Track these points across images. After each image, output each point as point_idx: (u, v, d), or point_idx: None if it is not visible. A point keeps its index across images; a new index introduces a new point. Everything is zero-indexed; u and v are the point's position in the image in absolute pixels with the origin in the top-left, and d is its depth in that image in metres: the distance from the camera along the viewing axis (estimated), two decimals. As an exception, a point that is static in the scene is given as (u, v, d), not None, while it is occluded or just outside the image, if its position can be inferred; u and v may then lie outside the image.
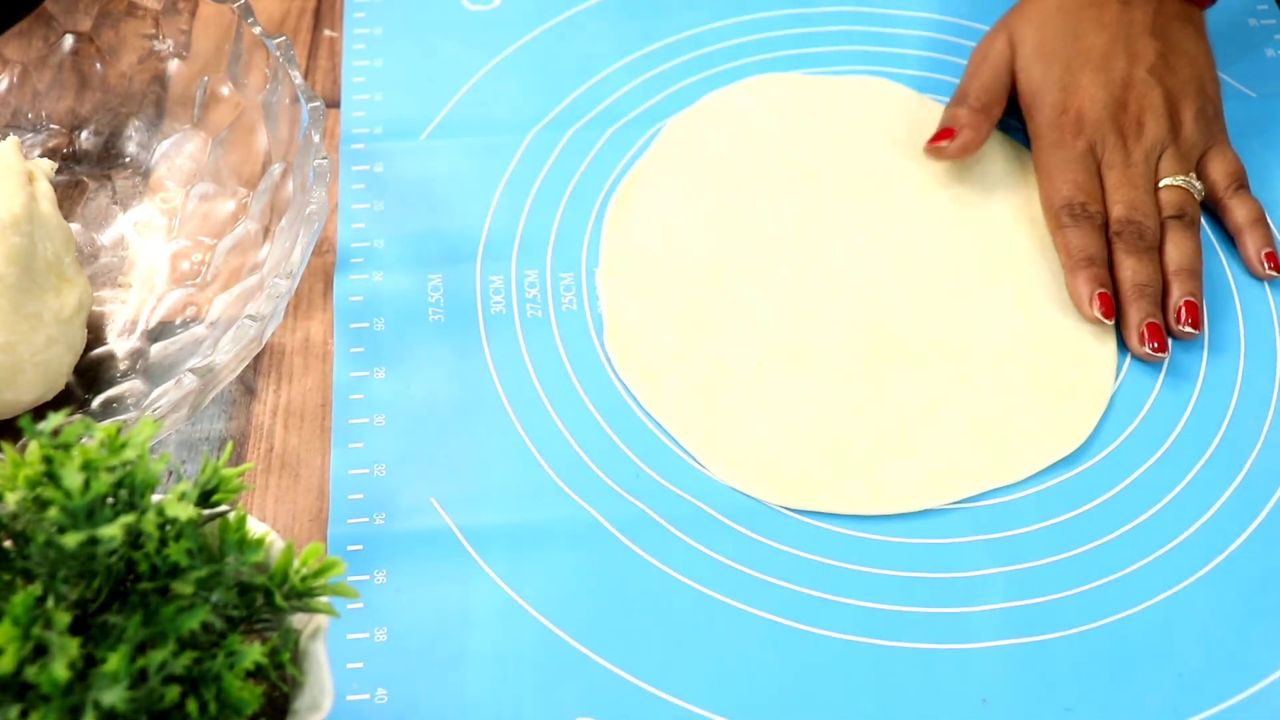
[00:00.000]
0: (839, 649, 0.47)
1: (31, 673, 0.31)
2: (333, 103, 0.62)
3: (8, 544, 0.33)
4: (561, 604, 0.47)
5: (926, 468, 0.51)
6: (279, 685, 0.38)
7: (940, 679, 0.46)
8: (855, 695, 0.46)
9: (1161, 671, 0.46)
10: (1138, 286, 0.56)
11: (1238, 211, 0.59)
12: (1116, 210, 0.57)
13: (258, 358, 0.54)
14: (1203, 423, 0.53)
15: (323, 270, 0.56)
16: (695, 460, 0.51)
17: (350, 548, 0.48)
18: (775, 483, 0.51)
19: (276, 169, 0.55)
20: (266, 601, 0.35)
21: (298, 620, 0.37)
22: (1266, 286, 0.58)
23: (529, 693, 0.45)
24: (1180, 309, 0.55)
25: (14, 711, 0.31)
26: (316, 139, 0.51)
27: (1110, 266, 0.56)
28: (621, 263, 0.57)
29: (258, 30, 0.55)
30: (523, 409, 0.52)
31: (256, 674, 0.36)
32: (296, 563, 0.35)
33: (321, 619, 0.37)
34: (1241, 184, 0.60)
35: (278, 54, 0.54)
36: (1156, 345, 0.54)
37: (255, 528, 0.37)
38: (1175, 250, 0.57)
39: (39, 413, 0.49)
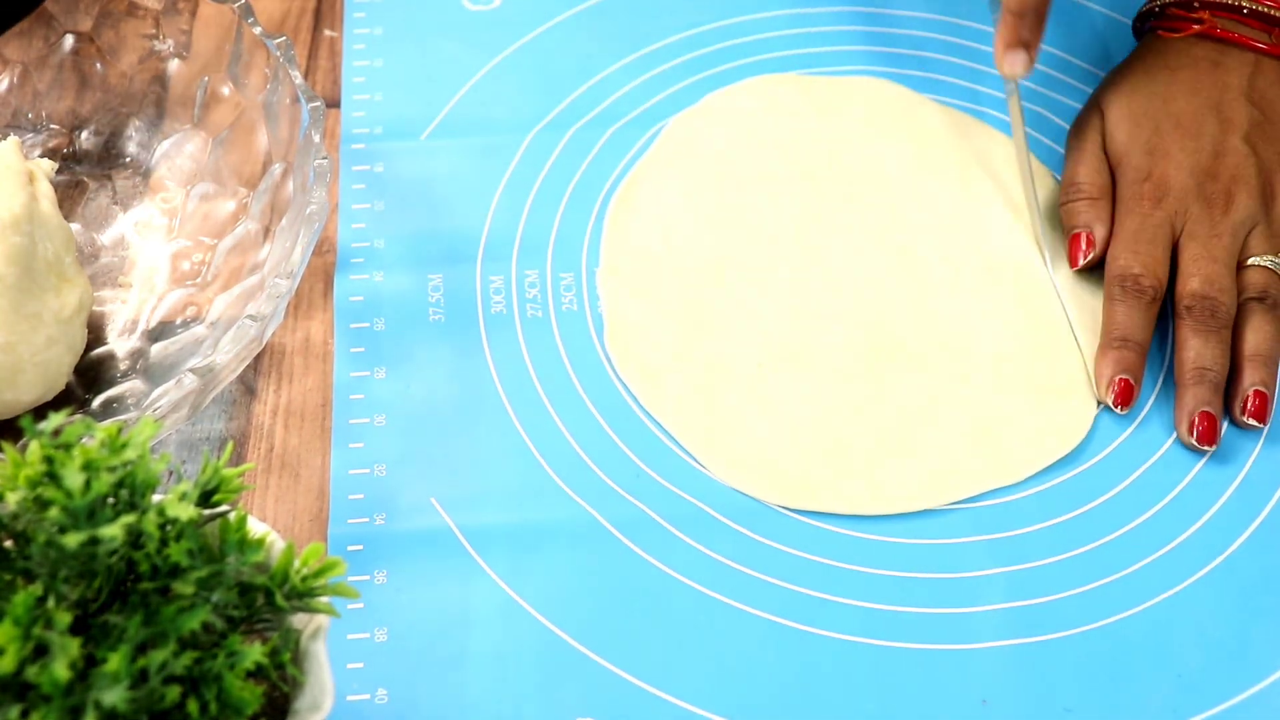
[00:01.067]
0: (839, 649, 0.47)
1: (32, 673, 0.31)
2: (333, 103, 0.62)
3: (8, 544, 0.33)
4: (561, 604, 0.47)
5: (926, 468, 0.51)
6: (279, 685, 0.38)
7: (940, 679, 0.46)
8: (855, 695, 0.46)
9: (1161, 672, 0.46)
10: (1199, 370, 0.52)
11: None
12: (1191, 284, 0.53)
13: (258, 358, 0.54)
14: (1203, 423, 0.53)
15: (323, 270, 0.56)
16: (695, 460, 0.51)
17: (350, 548, 0.48)
18: (775, 483, 0.51)
19: (277, 169, 0.55)
20: (267, 601, 0.35)
21: (298, 620, 0.37)
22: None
23: (529, 693, 0.45)
24: (1249, 397, 0.52)
25: (14, 711, 0.31)
26: (317, 139, 0.51)
27: (1174, 345, 0.54)
28: (621, 263, 0.57)
29: (258, 30, 0.55)
30: (523, 409, 0.52)
31: (257, 674, 0.36)
32: (297, 563, 0.35)
33: (322, 619, 0.37)
34: None
35: (278, 54, 0.54)
36: (1207, 440, 0.51)
37: (256, 528, 0.37)
38: (1254, 335, 0.53)
39: (39, 413, 0.49)
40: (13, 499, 0.32)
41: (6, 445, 0.34)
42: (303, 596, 0.35)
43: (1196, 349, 0.52)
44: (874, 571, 0.49)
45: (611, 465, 0.51)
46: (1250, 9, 0.59)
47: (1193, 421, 0.52)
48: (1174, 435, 0.53)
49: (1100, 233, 0.56)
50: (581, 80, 0.63)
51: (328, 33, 0.66)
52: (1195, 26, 0.59)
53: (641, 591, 0.48)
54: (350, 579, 0.47)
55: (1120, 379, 0.52)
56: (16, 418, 0.49)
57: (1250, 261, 0.54)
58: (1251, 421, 0.52)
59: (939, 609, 0.48)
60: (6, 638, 0.30)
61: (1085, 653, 0.47)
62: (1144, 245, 0.54)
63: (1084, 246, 0.56)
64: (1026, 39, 0.56)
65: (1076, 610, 0.48)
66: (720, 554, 0.49)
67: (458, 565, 0.48)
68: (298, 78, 0.53)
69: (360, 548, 0.48)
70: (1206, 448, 0.51)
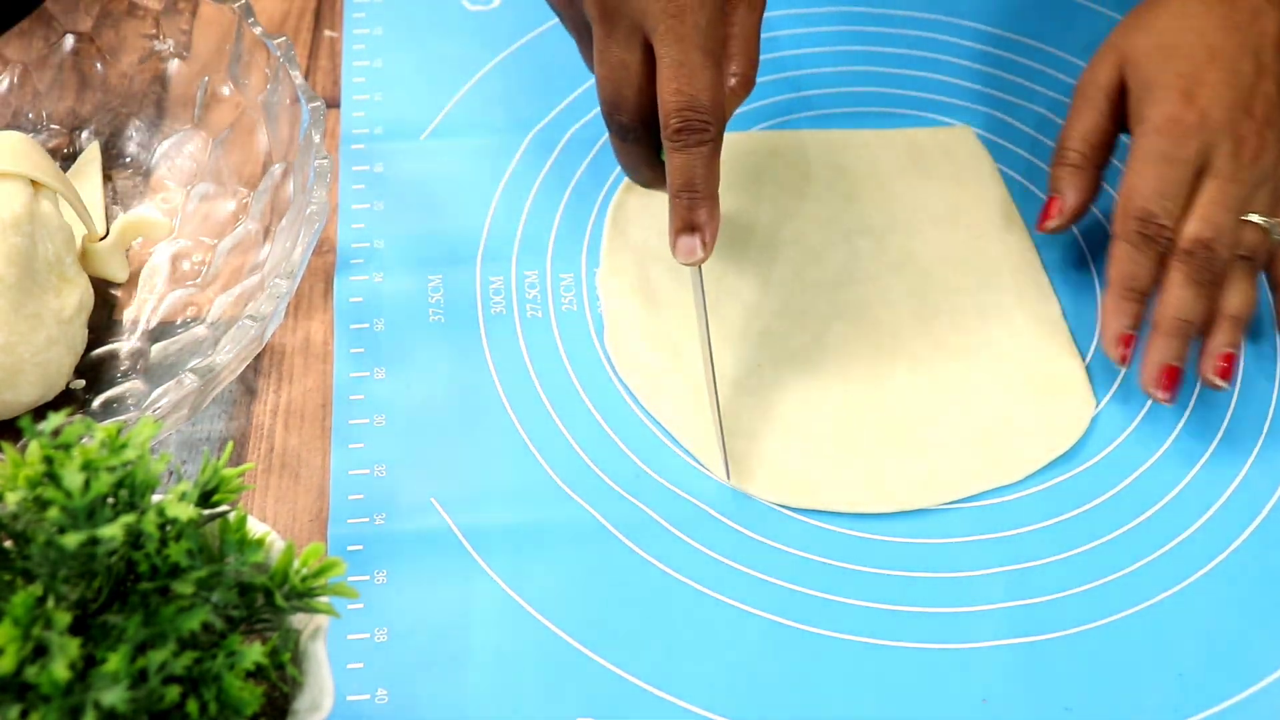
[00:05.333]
0: (839, 649, 0.47)
1: (32, 673, 0.31)
2: (333, 103, 0.62)
3: (8, 544, 0.33)
4: (561, 604, 0.47)
5: (926, 467, 0.51)
6: (279, 685, 0.38)
7: (940, 679, 0.46)
8: (855, 695, 0.46)
9: (1161, 671, 0.46)
10: (1179, 321, 0.51)
11: None
12: (1195, 227, 0.51)
13: (258, 358, 0.54)
14: (1202, 422, 0.53)
15: (323, 270, 0.56)
16: (695, 460, 0.51)
17: (350, 548, 0.48)
18: (775, 482, 0.51)
19: (277, 169, 0.55)
20: (267, 602, 0.35)
21: (298, 620, 0.37)
22: (1265, 286, 0.58)
23: (529, 693, 0.45)
24: (1218, 356, 0.51)
25: (14, 711, 0.31)
26: (317, 139, 0.51)
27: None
28: (621, 263, 0.57)
29: (258, 30, 0.55)
30: (523, 409, 0.52)
31: (257, 674, 0.36)
32: (297, 563, 0.35)
33: (322, 619, 0.37)
34: None
35: (278, 54, 0.54)
36: (1168, 395, 0.51)
37: (255, 528, 0.37)
38: (1236, 295, 0.52)
39: (39, 413, 0.49)
40: (13, 499, 0.32)
41: (6, 445, 0.34)
42: (302, 596, 0.35)
43: (1183, 299, 0.51)
44: (874, 571, 0.49)
45: (611, 465, 0.51)
46: None
47: (1159, 375, 0.51)
48: (1174, 435, 0.53)
49: (1070, 202, 0.55)
50: (581, 80, 0.63)
51: (328, 33, 0.66)
52: None
53: (641, 591, 0.48)
54: (350, 579, 0.47)
55: (1126, 335, 0.51)
56: (16, 418, 0.49)
57: (1250, 217, 0.52)
58: (1218, 381, 0.51)
59: (939, 608, 0.48)
60: (6, 638, 0.30)
61: (1085, 652, 0.47)
62: (1172, 186, 0.51)
63: (1053, 213, 0.55)
64: (701, 222, 0.49)
65: (1077, 609, 0.48)
66: (720, 554, 0.49)
67: (458, 565, 0.48)
68: (298, 78, 0.53)
69: (360, 548, 0.48)
70: (1165, 401, 0.51)
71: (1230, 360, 0.51)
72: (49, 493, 0.32)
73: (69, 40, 0.59)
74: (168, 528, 0.34)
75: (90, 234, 0.54)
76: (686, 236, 0.48)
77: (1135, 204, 0.51)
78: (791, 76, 0.64)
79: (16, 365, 0.48)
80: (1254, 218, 0.52)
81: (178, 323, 0.54)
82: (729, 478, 0.50)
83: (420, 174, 0.60)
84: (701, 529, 0.49)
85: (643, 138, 0.49)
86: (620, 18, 0.47)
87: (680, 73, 0.46)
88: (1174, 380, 0.51)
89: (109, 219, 0.57)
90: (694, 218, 0.48)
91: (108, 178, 0.58)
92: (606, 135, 0.61)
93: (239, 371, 0.49)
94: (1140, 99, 0.54)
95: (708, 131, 0.47)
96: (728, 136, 0.62)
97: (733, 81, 0.49)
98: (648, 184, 0.52)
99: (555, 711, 0.45)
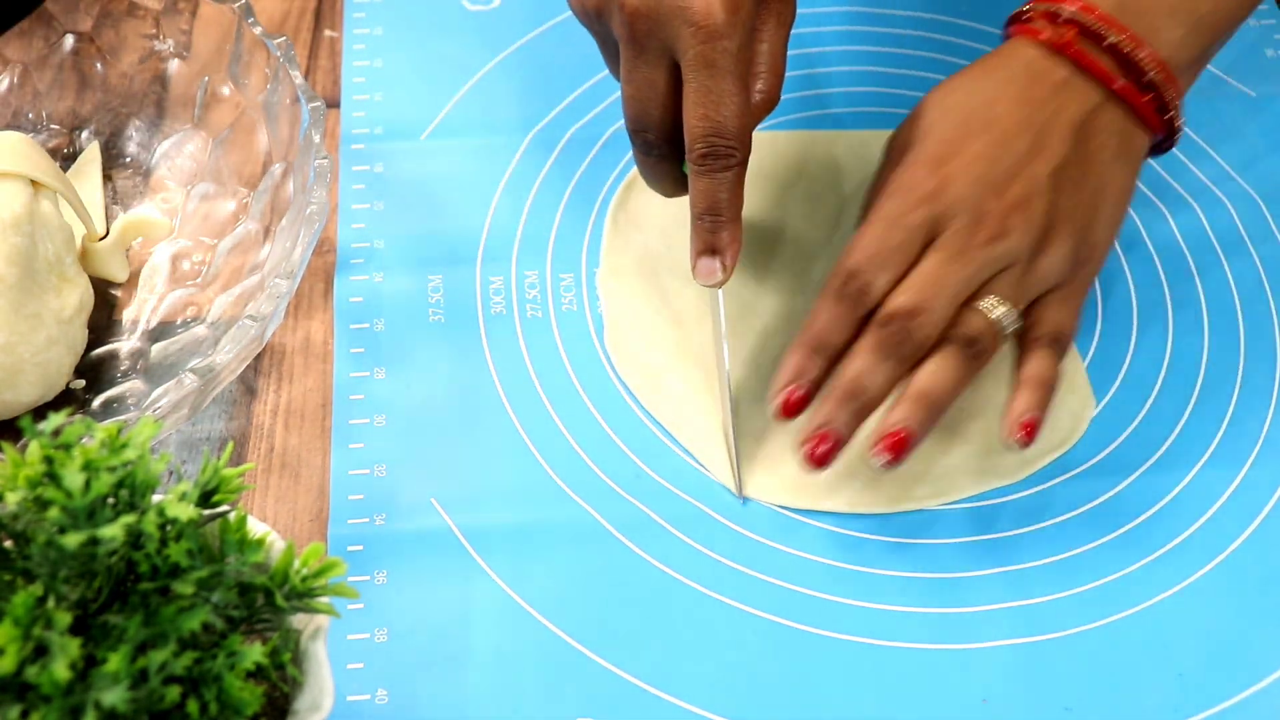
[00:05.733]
0: (839, 649, 0.47)
1: (32, 673, 0.31)
2: (333, 103, 0.62)
3: (8, 544, 0.33)
4: (561, 604, 0.47)
5: (926, 467, 0.51)
6: (279, 685, 0.38)
7: (940, 679, 0.46)
8: (855, 695, 0.46)
9: (1161, 671, 0.46)
10: (851, 387, 0.46)
11: (1033, 364, 0.49)
12: (899, 299, 0.46)
13: (258, 358, 0.54)
14: (1202, 422, 0.53)
15: (323, 270, 0.56)
16: (695, 460, 0.51)
17: (350, 548, 0.48)
18: (775, 482, 0.51)
19: (277, 169, 0.55)
20: (267, 602, 0.35)
21: (298, 620, 0.37)
22: (1268, 288, 0.58)
23: (529, 693, 0.45)
24: (886, 434, 0.46)
25: (14, 711, 0.31)
26: (317, 139, 0.51)
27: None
28: (621, 263, 0.57)
29: (258, 30, 0.55)
30: (523, 409, 0.52)
31: (257, 674, 0.36)
32: (297, 563, 0.35)
33: (322, 619, 0.37)
34: (1058, 342, 0.49)
35: (278, 54, 0.54)
36: (818, 463, 0.46)
37: (256, 528, 0.37)
38: (929, 376, 0.47)
39: (39, 413, 0.49)
40: (13, 499, 0.32)
41: (6, 445, 0.34)
42: (303, 597, 0.35)
43: (862, 366, 0.46)
44: (874, 571, 0.49)
45: (611, 465, 0.51)
46: (1112, 42, 0.49)
47: (814, 438, 0.46)
48: (1173, 436, 0.53)
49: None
50: (581, 80, 0.63)
51: (328, 33, 0.66)
52: (1048, 35, 0.50)
53: (641, 591, 0.48)
54: (350, 579, 0.47)
55: (796, 392, 0.47)
56: (16, 418, 0.49)
57: (981, 304, 0.47)
58: (883, 458, 0.46)
59: (939, 608, 0.48)
60: (6, 638, 0.30)
61: (1085, 652, 0.47)
62: (888, 249, 0.47)
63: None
64: (723, 245, 0.48)
65: (1076, 610, 0.48)
66: (720, 554, 0.49)
67: (458, 565, 0.48)
68: (298, 78, 0.53)
69: (360, 548, 0.48)
70: (812, 468, 0.47)
71: (900, 441, 0.46)
72: (49, 493, 0.32)
73: (69, 40, 0.59)
74: (168, 528, 0.34)
75: (90, 234, 0.54)
76: (707, 259, 0.48)
77: (845, 261, 0.48)
78: (793, 76, 0.64)
79: (16, 365, 0.48)
80: (988, 304, 0.47)
81: (178, 323, 0.54)
82: (740, 492, 0.50)
83: (420, 174, 0.60)
84: (701, 529, 0.49)
85: (667, 154, 0.49)
86: (650, 40, 0.46)
87: (707, 99, 0.45)
88: (827, 450, 0.46)
89: (109, 219, 0.57)
90: (716, 241, 0.48)
91: (108, 178, 0.58)
92: (606, 135, 0.61)
93: (239, 371, 0.49)
94: (897, 161, 0.51)
95: (733, 157, 0.46)
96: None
97: (758, 98, 0.48)
98: (670, 195, 0.51)
99: (555, 711, 0.45)
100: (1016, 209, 0.48)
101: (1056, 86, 0.50)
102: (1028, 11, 0.52)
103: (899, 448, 0.46)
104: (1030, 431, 0.48)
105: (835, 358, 0.47)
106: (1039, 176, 0.48)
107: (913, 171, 0.49)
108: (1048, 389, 0.49)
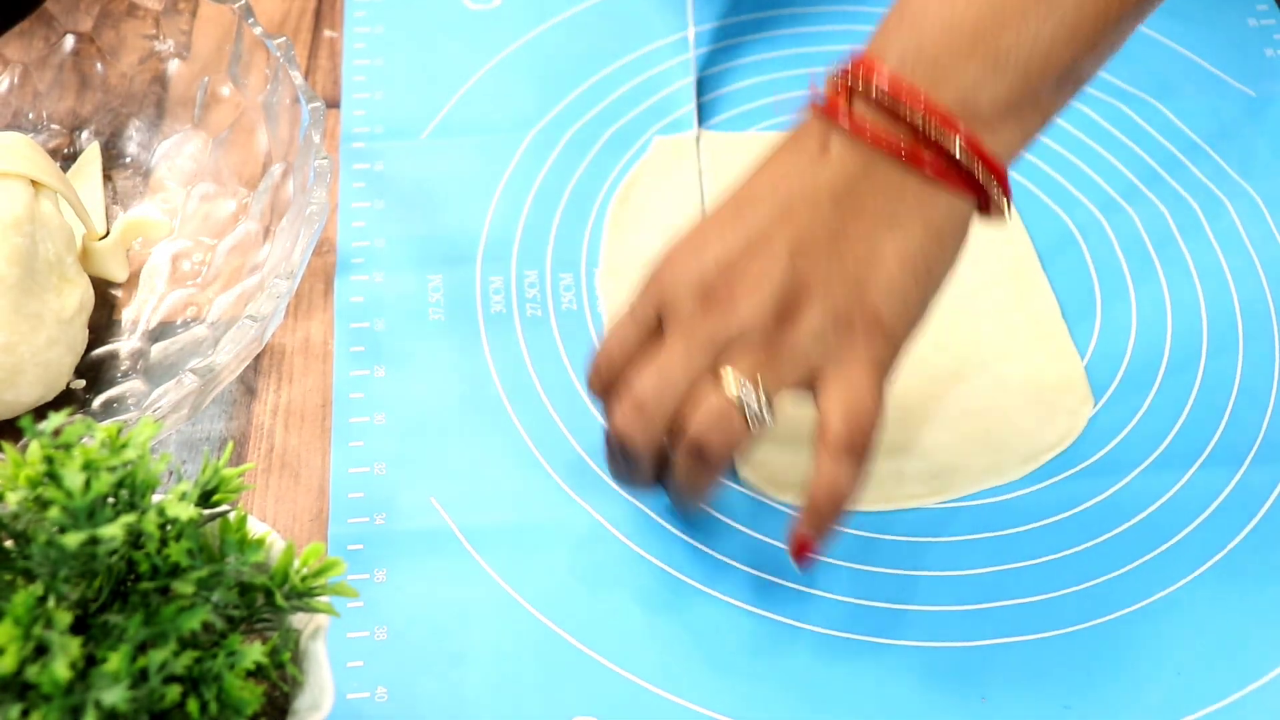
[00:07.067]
0: (838, 647, 0.47)
1: (32, 672, 0.31)
2: (333, 103, 0.62)
3: (9, 544, 0.33)
4: (561, 602, 0.47)
5: (926, 467, 0.51)
6: (279, 685, 0.38)
7: (940, 677, 0.46)
8: (855, 693, 0.46)
9: (1160, 670, 0.46)
10: (615, 446, 0.45)
11: (822, 475, 0.44)
12: (635, 386, 0.44)
13: (258, 358, 0.54)
14: (1201, 421, 0.53)
15: (323, 270, 0.56)
16: (695, 460, 0.51)
17: (350, 547, 0.48)
18: (775, 481, 0.51)
19: (277, 169, 0.55)
20: (267, 601, 0.35)
21: (298, 620, 0.37)
22: (1267, 289, 0.58)
23: (529, 692, 0.45)
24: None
25: (15, 711, 0.31)
26: (317, 139, 0.51)
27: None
28: (621, 263, 0.57)
29: (258, 30, 0.55)
30: (523, 409, 0.52)
31: (257, 674, 0.36)
32: (297, 562, 0.35)
33: (322, 618, 0.37)
34: (856, 434, 0.43)
35: (278, 54, 0.54)
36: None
37: (256, 527, 0.37)
38: (680, 474, 0.45)
39: (39, 413, 0.50)
40: (13, 499, 0.32)
41: (6, 445, 0.34)
42: (302, 596, 0.35)
43: (618, 424, 0.45)
44: (873, 569, 0.49)
45: (611, 464, 0.51)
46: (884, 100, 0.44)
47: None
48: (1172, 435, 0.53)
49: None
50: (581, 80, 0.64)
51: (328, 33, 0.66)
52: (816, 97, 0.46)
53: (641, 591, 0.48)
54: (350, 578, 0.47)
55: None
56: (17, 418, 0.49)
57: (724, 382, 0.43)
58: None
59: (938, 607, 0.48)
60: (7, 638, 0.30)
61: (1084, 651, 0.47)
62: (621, 332, 0.46)
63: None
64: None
65: (1075, 608, 0.48)
66: (721, 554, 0.49)
67: (458, 564, 0.48)
68: (298, 78, 0.53)
69: (360, 547, 0.48)
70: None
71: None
72: (50, 492, 0.32)
73: (69, 40, 0.59)
74: (168, 527, 0.34)
75: (90, 234, 0.54)
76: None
77: (597, 355, 0.46)
78: (793, 76, 0.64)
79: (17, 365, 0.48)
80: (727, 379, 0.43)
81: (178, 323, 0.54)
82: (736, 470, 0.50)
83: (420, 173, 0.60)
84: (701, 529, 0.49)
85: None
86: None
87: None
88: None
89: (109, 219, 0.57)
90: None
91: (108, 178, 0.58)
92: (606, 135, 0.61)
93: (239, 371, 0.49)
94: None
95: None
96: (727, 136, 0.62)
97: None
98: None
99: (555, 710, 0.45)
100: (744, 276, 0.43)
101: (813, 153, 0.45)
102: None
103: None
104: (801, 554, 0.45)
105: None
106: (777, 251, 0.43)
107: (657, 259, 0.46)
108: (824, 499, 0.44)
